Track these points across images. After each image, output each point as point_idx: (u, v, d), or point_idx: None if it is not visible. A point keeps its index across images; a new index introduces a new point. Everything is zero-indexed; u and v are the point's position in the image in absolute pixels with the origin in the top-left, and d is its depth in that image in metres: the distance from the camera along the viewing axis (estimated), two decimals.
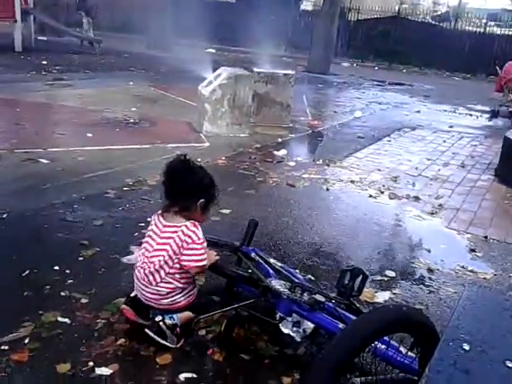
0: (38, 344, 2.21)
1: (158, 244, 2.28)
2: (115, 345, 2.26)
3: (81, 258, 2.99)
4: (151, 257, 2.28)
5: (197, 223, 2.27)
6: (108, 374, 2.08)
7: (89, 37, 15.93)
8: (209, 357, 2.26)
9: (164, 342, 2.26)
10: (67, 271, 2.82)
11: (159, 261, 2.25)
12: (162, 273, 2.26)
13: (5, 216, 3.44)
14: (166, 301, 2.30)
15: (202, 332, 2.42)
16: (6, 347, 2.17)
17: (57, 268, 2.83)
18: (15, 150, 4.95)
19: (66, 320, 2.39)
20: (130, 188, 4.21)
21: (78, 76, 10.02)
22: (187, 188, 2.27)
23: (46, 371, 2.07)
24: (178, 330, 2.30)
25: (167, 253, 2.24)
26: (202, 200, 2.28)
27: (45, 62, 11.20)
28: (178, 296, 2.31)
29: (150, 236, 2.34)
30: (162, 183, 2.32)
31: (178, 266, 2.26)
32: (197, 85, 6.73)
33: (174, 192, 2.29)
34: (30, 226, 3.37)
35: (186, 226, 2.24)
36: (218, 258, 2.44)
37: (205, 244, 2.28)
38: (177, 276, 2.28)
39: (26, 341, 2.22)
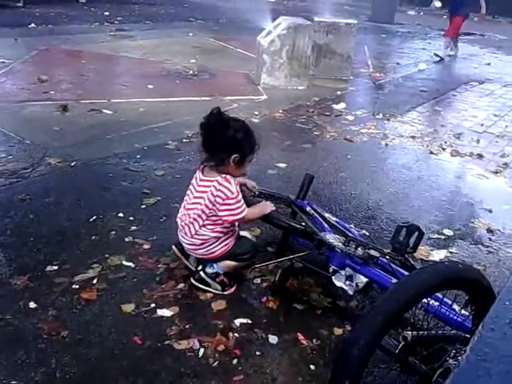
0: (105, 285, 2.38)
1: (194, 197, 2.33)
2: (175, 289, 2.39)
3: (143, 206, 3.13)
4: (187, 209, 2.35)
5: (229, 177, 2.25)
6: (169, 315, 2.22)
7: None
8: (263, 304, 2.36)
9: (208, 289, 2.38)
10: (131, 218, 2.97)
11: (194, 213, 2.31)
12: (197, 225, 2.32)
13: (73, 164, 3.63)
14: (201, 251, 2.39)
15: (257, 280, 2.52)
16: (77, 286, 2.35)
17: (121, 215, 2.99)
18: (81, 100, 5.14)
19: (130, 264, 2.55)
20: (190, 140, 4.30)
21: (139, 27, 10.10)
22: (219, 143, 2.23)
23: (112, 309, 2.23)
24: (221, 277, 2.40)
25: (200, 206, 2.28)
26: (235, 155, 2.24)
27: (107, 13, 11.35)
28: (212, 246, 2.37)
29: (189, 189, 2.39)
30: (200, 135, 2.30)
31: (213, 218, 2.29)
32: (256, 35, 6.64)
33: (208, 146, 2.28)
34: (96, 174, 3.55)
35: (217, 181, 2.23)
36: (273, 208, 2.45)
37: (239, 197, 2.27)
38: (210, 228, 2.32)
39: (95, 281, 2.40)
